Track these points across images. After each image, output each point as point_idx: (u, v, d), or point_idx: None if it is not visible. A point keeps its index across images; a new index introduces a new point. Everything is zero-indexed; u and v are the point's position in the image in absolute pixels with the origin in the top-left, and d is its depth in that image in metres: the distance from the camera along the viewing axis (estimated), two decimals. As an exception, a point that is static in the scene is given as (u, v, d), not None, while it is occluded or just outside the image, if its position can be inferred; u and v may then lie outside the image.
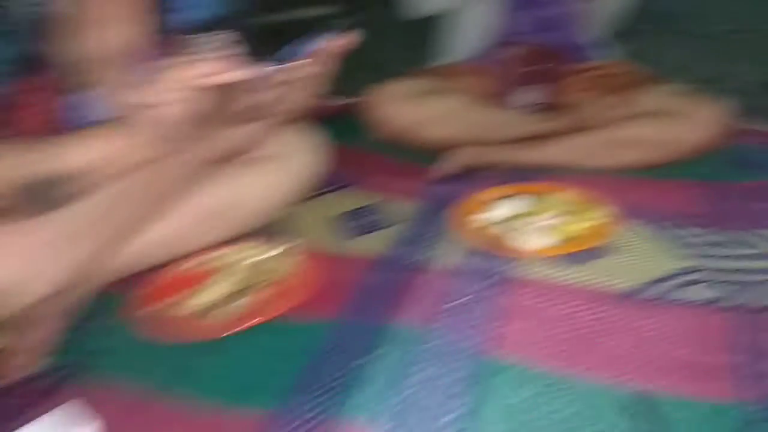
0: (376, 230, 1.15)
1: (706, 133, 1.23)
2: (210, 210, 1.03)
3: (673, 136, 1.24)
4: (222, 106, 0.82)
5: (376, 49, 2.58)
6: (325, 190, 1.28)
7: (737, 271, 0.97)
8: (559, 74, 1.39)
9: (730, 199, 1.18)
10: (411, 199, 1.25)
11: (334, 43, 0.83)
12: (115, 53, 0.88)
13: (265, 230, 1.09)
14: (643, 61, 1.54)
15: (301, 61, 0.83)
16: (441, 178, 1.31)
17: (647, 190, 1.22)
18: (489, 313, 0.90)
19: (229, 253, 1.04)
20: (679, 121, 1.24)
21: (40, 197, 0.78)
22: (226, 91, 0.80)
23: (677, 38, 2.43)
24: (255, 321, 0.89)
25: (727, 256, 1.01)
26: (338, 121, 1.66)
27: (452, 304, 0.92)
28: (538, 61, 1.38)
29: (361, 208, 1.24)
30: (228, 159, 1.06)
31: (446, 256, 1.05)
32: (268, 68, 0.82)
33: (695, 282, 0.95)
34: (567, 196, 1.14)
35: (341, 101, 1.80)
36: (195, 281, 0.99)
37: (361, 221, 1.19)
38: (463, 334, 0.86)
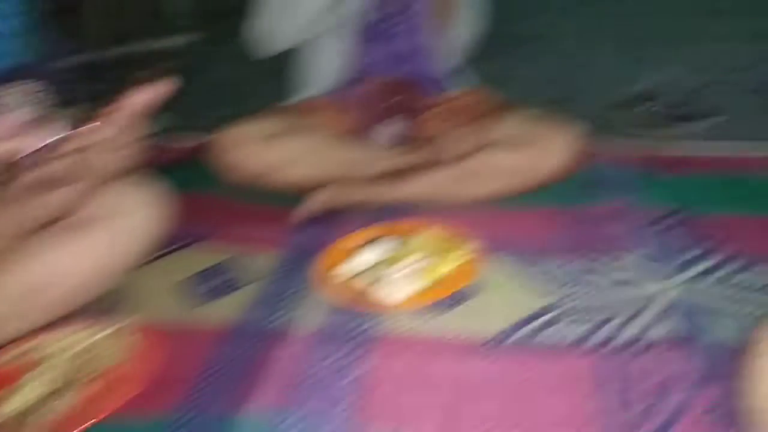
0: (229, 292, 1.04)
1: (560, 158, 1.24)
2: (24, 288, 0.87)
3: (528, 164, 1.23)
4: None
5: (232, 84, 2.48)
6: (169, 249, 1.15)
7: (599, 304, 0.96)
8: (416, 107, 1.36)
9: (586, 224, 1.19)
10: (269, 250, 1.15)
11: (137, 98, 0.71)
12: None
13: (94, 307, 0.94)
14: (497, 87, 1.56)
15: (90, 126, 0.71)
16: (301, 223, 1.22)
17: (508, 220, 1.21)
18: (352, 383, 0.82)
19: (48, 341, 0.88)
20: (533, 148, 1.23)
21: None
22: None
23: (530, 61, 2.53)
24: (82, 426, 0.75)
25: (587, 288, 1.00)
26: (186, 166, 1.53)
27: (312, 378, 0.83)
28: (394, 95, 1.34)
29: (212, 267, 1.11)
30: (43, 227, 0.90)
31: (307, 317, 0.96)
32: (55, 136, 0.69)
33: (560, 320, 0.93)
34: (431, 234, 1.10)
35: (190, 143, 1.66)
36: (5, 381, 0.82)
37: (212, 283, 1.07)
38: (324, 415, 0.77)
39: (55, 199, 0.88)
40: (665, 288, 0.99)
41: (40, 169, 0.69)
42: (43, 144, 0.67)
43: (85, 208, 0.93)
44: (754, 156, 1.49)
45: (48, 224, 0.91)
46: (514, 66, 2.46)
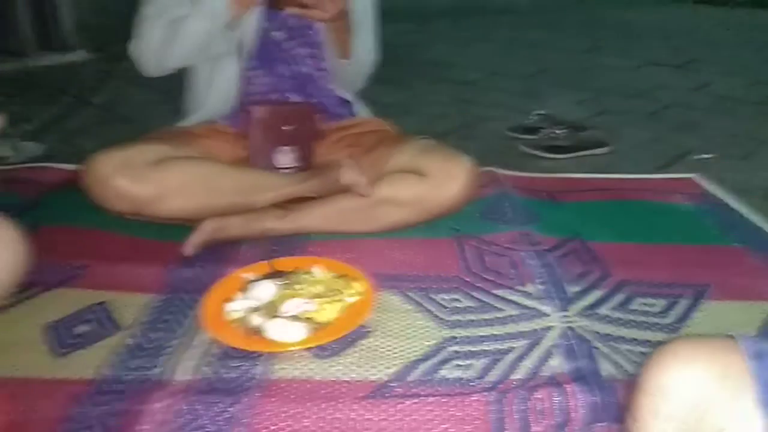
0: (99, 339, 0.93)
1: (456, 188, 1.22)
2: None
3: (424, 195, 1.20)
4: None
5: (122, 106, 2.34)
6: (33, 291, 1.02)
7: (494, 339, 0.94)
8: (312, 134, 1.31)
9: (481, 255, 1.18)
10: (149, 290, 1.04)
11: None
12: None
13: None
14: (396, 113, 1.54)
15: None
16: (186, 258, 1.12)
17: (402, 253, 1.18)
18: (238, 435, 0.74)
19: None
20: (429, 178, 1.21)
21: None
22: None
23: (430, 88, 2.57)
24: None
25: (482, 322, 0.98)
26: (60, 195, 1.39)
27: (195, 430, 0.75)
28: (291, 121, 1.28)
29: (81, 310, 0.99)
30: None
31: (188, 362, 0.87)
32: None
33: (455, 357, 0.90)
34: (322, 269, 1.04)
35: (67, 169, 1.52)
36: None
37: (81, 329, 0.95)
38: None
39: None
40: (561, 319, 0.98)
41: None
42: None
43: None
44: (644, 183, 1.56)
45: None
46: (414, 92, 2.49)
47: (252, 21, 1.24)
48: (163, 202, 1.14)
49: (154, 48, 1.22)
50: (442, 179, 1.20)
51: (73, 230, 1.22)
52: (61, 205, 1.35)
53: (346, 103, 1.39)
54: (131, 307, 1.00)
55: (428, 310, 1.00)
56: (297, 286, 0.97)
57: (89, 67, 3.26)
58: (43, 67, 3.20)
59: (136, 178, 1.11)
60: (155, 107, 1.89)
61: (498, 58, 3.21)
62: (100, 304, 1.00)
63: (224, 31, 1.21)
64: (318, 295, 0.95)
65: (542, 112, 2.05)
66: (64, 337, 0.93)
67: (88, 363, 0.87)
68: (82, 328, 0.95)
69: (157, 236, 1.18)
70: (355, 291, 0.99)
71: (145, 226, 1.18)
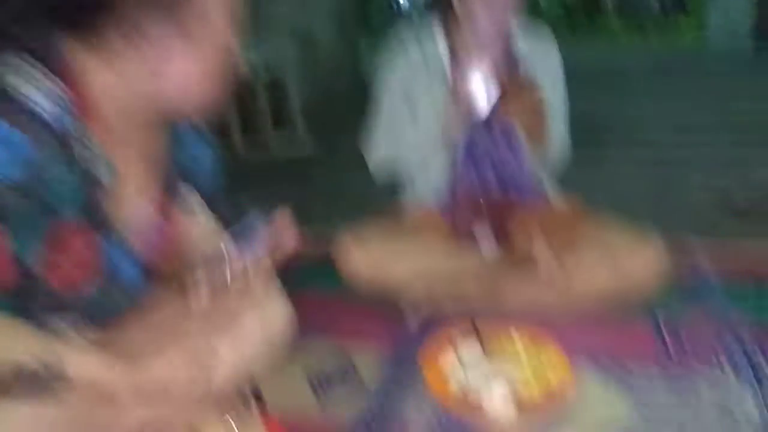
0: (345, 387, 1.19)
1: (651, 272, 1.32)
2: (165, 376, 0.96)
3: (621, 275, 1.32)
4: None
5: (346, 192, 2.72)
6: (293, 344, 1.33)
7: (691, 423, 1.00)
8: (509, 216, 1.50)
9: (680, 338, 1.24)
10: (381, 349, 1.30)
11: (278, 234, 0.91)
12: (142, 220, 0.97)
13: (226, 397, 1.06)
14: (588, 185, 1.64)
15: (257, 257, 0.91)
16: (409, 324, 1.38)
17: (597, 334, 1.27)
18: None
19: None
20: (625, 259, 1.33)
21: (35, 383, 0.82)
22: None
23: (622, 151, 2.54)
24: None
25: (679, 405, 1.04)
26: (309, 267, 1.74)
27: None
28: (491, 206, 1.49)
29: (329, 362, 1.28)
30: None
31: (418, 416, 1.09)
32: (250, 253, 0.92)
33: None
34: (528, 343, 1.19)
35: (309, 245, 1.88)
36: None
37: (330, 378, 1.23)
38: None
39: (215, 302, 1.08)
40: (758, 412, 1.01)
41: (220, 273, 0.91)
42: (239, 256, 0.90)
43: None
44: None
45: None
46: (603, 154, 2.46)
47: (462, 131, 1.48)
48: (388, 274, 1.42)
49: (379, 157, 1.54)
50: (635, 264, 1.31)
51: (320, 295, 1.54)
52: (310, 274, 1.65)
53: (538, 183, 1.56)
54: (370, 360, 1.26)
55: (625, 390, 1.09)
56: (506, 355, 1.15)
57: (315, 156, 3.78)
58: (279, 156, 3.82)
59: (374, 269, 1.41)
60: (376, 193, 2.19)
61: (692, 116, 3.05)
62: (346, 356, 1.28)
63: (437, 144, 1.47)
64: (527, 366, 1.12)
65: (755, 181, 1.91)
66: (319, 383, 1.22)
67: (339, 407, 1.13)
68: (332, 377, 1.23)
69: (384, 305, 1.44)
70: (558, 365, 1.12)
71: (375, 295, 1.44)
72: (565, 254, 1.37)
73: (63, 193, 0.81)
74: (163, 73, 0.84)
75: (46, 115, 0.76)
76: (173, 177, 1.02)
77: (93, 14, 0.79)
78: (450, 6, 1.43)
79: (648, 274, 1.33)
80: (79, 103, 0.81)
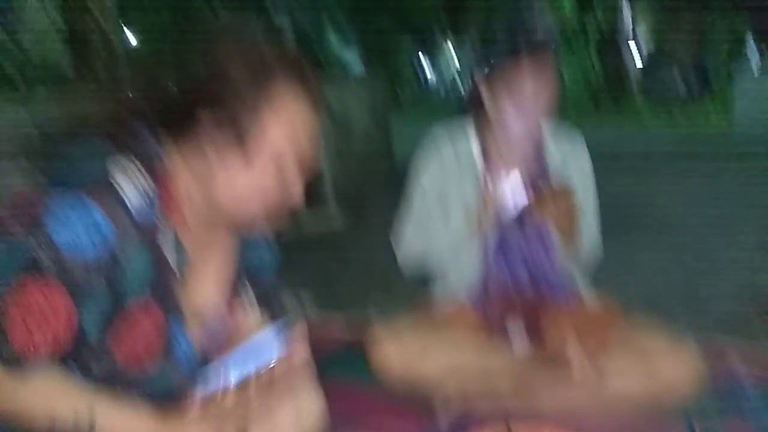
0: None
1: (684, 378, 1.32)
2: None
3: (653, 375, 1.33)
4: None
5: (374, 271, 2.76)
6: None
7: None
8: (542, 314, 1.52)
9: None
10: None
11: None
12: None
13: None
14: (617, 284, 1.65)
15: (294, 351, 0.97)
16: (440, 423, 1.39)
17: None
18: None
19: None
20: (658, 360, 1.34)
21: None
22: None
23: (653, 250, 2.54)
24: None
25: None
26: (337, 352, 1.76)
27: None
28: (523, 302, 1.51)
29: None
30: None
31: None
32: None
33: None
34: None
35: (341, 332, 1.91)
36: None
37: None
38: None
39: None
40: None
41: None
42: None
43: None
44: None
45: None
46: (633, 248, 2.44)
47: (492, 229, 1.53)
48: (417, 370, 1.43)
49: (409, 252, 1.59)
50: (668, 368, 1.32)
51: (347, 385, 1.54)
52: (338, 363, 1.68)
53: (570, 281, 1.58)
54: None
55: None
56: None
57: (346, 233, 3.83)
58: (311, 233, 3.90)
59: (407, 365, 1.43)
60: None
61: (726, 207, 3.01)
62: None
63: (467, 241, 1.51)
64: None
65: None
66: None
67: None
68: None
69: (412, 399, 1.45)
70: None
71: (404, 389, 1.45)
72: (598, 356, 1.38)
73: (136, 274, 0.88)
74: (222, 183, 0.92)
75: (132, 208, 0.85)
76: (240, 274, 1.08)
77: (183, 123, 0.90)
78: (483, 107, 1.51)
79: (682, 378, 1.33)
80: (165, 199, 0.91)
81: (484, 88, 1.48)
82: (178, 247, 0.94)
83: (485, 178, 1.51)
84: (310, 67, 0.95)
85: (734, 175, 3.76)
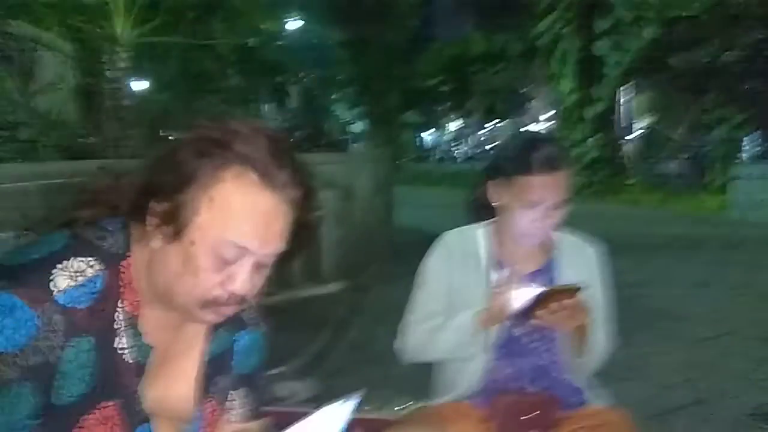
0: None
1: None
2: None
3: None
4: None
5: (372, 343, 2.70)
6: None
7: None
8: (549, 422, 1.44)
9: None
10: None
11: None
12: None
13: None
14: (621, 377, 1.58)
15: None
16: None
17: None
18: None
19: None
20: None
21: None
22: None
23: (665, 344, 2.51)
24: None
25: None
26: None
27: None
28: (532, 409, 1.43)
29: None
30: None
31: None
32: None
33: None
34: None
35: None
36: None
37: None
38: None
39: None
40: None
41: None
42: None
43: None
44: None
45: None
46: (640, 350, 2.42)
47: (499, 328, 1.48)
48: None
49: (414, 349, 1.52)
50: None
51: None
52: None
53: (580, 390, 1.52)
54: None
55: None
56: None
57: (341, 298, 3.87)
58: (306, 297, 3.89)
59: None
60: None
61: (735, 308, 3.03)
62: None
63: (472, 341, 1.45)
64: None
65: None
66: None
67: None
68: None
69: None
70: None
71: None
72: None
73: (76, 366, 0.82)
74: (162, 270, 0.86)
75: (66, 299, 0.81)
76: (215, 365, 1.00)
77: (138, 211, 0.86)
78: (491, 210, 1.51)
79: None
80: (116, 286, 0.86)
81: (495, 193, 1.48)
82: (136, 334, 0.87)
83: (494, 278, 1.47)
84: (282, 151, 0.87)
85: (734, 261, 3.76)
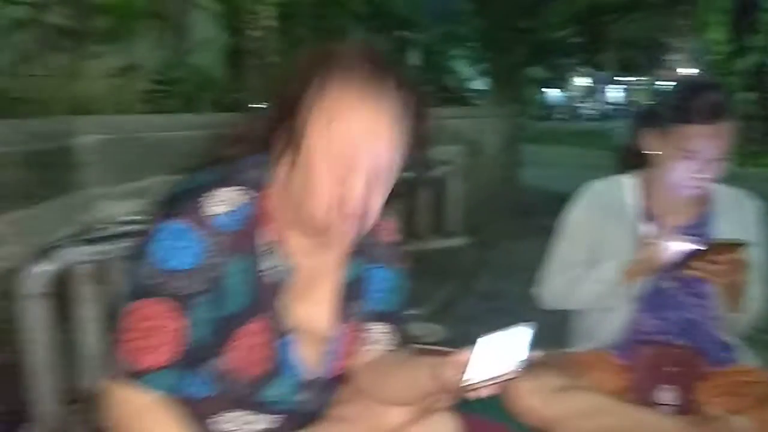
0: None
1: None
2: None
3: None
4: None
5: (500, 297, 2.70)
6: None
7: None
8: (694, 377, 1.41)
9: None
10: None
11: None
12: None
13: None
14: None
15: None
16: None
17: None
18: None
19: None
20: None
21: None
22: None
23: None
24: None
25: None
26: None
27: None
28: (675, 362, 1.41)
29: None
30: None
31: None
32: None
33: None
34: None
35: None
36: None
37: None
38: None
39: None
40: None
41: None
42: None
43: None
44: None
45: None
46: None
47: (645, 279, 1.45)
48: (561, 426, 1.36)
49: (553, 297, 1.54)
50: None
51: (490, 425, 1.52)
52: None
53: (730, 348, 1.47)
54: None
55: None
56: None
57: (467, 252, 3.92)
58: (432, 250, 3.98)
59: (546, 402, 1.37)
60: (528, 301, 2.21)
61: None
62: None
63: (615, 292, 1.44)
64: None
65: None
66: None
67: None
68: None
69: None
70: None
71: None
72: (751, 426, 1.25)
73: (235, 280, 0.94)
74: (293, 186, 0.93)
75: (223, 223, 0.92)
76: (350, 291, 1.08)
77: (272, 138, 0.95)
78: (645, 162, 1.47)
79: None
80: (261, 213, 0.96)
81: (651, 144, 1.44)
82: (279, 256, 0.97)
83: (642, 230, 1.45)
84: (382, 63, 0.92)
85: None
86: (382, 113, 0.90)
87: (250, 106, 3.02)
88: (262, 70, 3.58)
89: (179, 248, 0.91)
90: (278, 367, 1.00)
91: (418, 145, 0.97)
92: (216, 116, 2.80)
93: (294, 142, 0.91)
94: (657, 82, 20.84)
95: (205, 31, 3.75)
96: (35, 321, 1.68)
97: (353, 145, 0.89)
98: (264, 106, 1.01)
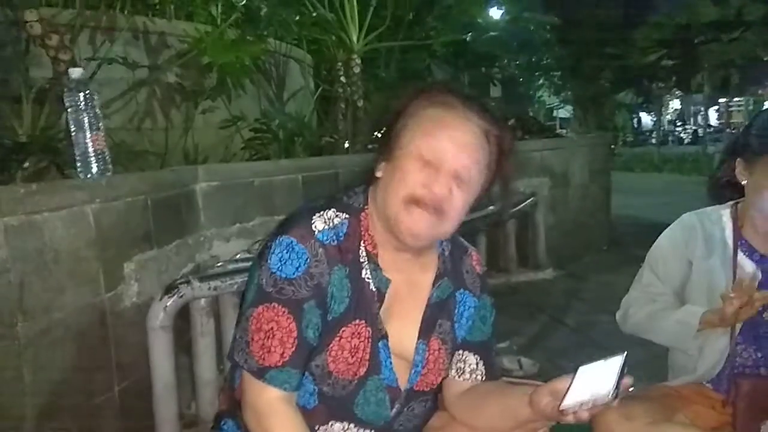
0: None
1: None
2: None
3: None
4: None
5: (592, 328, 2.66)
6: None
7: None
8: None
9: None
10: None
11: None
12: None
13: None
14: None
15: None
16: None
17: None
18: None
19: None
20: None
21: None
22: None
23: None
24: None
25: None
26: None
27: None
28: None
29: None
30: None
31: None
32: None
33: None
34: None
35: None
36: None
37: None
38: None
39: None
40: None
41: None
42: None
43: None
44: None
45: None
46: None
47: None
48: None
49: (633, 328, 1.54)
50: None
51: None
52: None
53: None
54: None
55: None
56: None
57: (557, 284, 3.88)
58: (522, 282, 3.97)
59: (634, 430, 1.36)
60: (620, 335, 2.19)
61: None
62: None
63: (691, 338, 1.43)
64: None
65: None
66: None
67: None
68: None
69: None
70: None
71: None
72: None
73: (337, 287, 1.07)
74: (380, 192, 1.10)
75: (324, 239, 1.07)
76: (438, 308, 1.17)
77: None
78: (737, 190, 1.45)
79: None
80: (356, 229, 1.10)
81: (744, 171, 1.43)
82: (376, 268, 1.10)
83: (739, 263, 1.44)
84: (469, 94, 1.09)
85: None
86: (467, 125, 1.06)
87: (343, 156, 3.23)
88: (351, 114, 3.79)
89: (289, 259, 1.05)
90: (374, 368, 1.11)
91: (503, 176, 1.11)
92: (310, 160, 3.00)
93: (387, 144, 1.08)
94: (757, 104, 19.57)
95: (299, 81, 4.02)
96: (160, 350, 1.88)
97: (439, 149, 1.04)
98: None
